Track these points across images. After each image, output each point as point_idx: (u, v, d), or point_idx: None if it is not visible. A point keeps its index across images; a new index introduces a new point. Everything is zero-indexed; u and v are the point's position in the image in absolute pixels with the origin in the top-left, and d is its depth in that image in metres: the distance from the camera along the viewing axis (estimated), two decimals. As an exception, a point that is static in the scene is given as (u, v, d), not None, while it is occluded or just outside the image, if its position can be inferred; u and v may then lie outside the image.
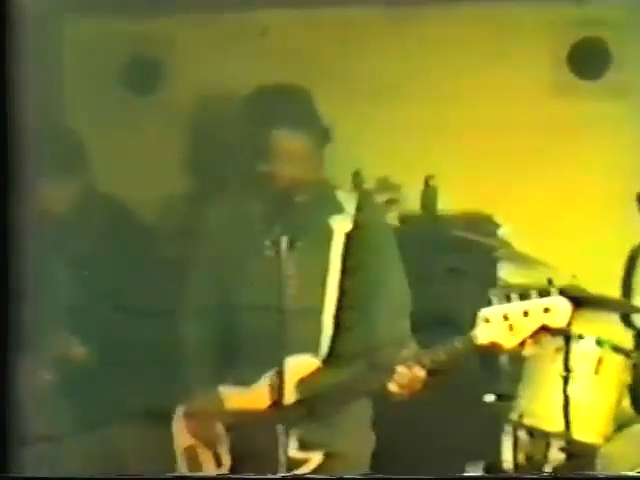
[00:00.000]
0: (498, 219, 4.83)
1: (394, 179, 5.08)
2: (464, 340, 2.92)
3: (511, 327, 2.85)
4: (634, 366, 4.38)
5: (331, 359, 3.12)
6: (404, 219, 5.04)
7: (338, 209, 3.18)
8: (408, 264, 4.66)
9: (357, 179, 5.03)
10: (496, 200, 4.91)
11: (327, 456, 3.11)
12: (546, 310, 2.83)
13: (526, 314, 2.83)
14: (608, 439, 4.12)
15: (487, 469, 4.58)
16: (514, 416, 4.31)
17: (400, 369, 2.96)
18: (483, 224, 4.81)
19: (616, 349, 4.27)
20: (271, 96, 3.19)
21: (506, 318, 2.85)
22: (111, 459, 3.70)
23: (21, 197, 3.09)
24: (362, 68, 5.06)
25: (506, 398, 4.36)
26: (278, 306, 3.04)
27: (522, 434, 4.45)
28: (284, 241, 2.96)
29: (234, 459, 3.21)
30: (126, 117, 5.11)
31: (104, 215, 3.92)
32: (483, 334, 2.87)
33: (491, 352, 4.33)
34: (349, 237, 3.14)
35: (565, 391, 4.09)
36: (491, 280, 4.62)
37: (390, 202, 5.03)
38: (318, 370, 3.09)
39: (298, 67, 4.81)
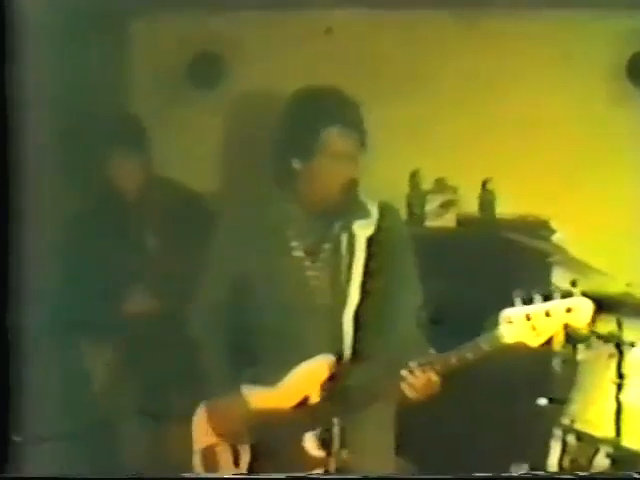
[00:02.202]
0: (554, 224, 4.86)
1: (451, 181, 5.13)
2: (489, 339, 2.94)
3: (534, 327, 2.87)
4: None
5: (354, 360, 3.14)
6: (461, 221, 5.09)
7: (362, 214, 3.17)
8: (464, 266, 4.79)
9: (415, 179, 5.11)
10: (553, 205, 4.93)
11: (349, 455, 3.07)
12: (568, 310, 2.87)
13: (548, 314, 2.87)
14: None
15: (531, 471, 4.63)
16: (566, 420, 4.34)
17: (416, 372, 2.99)
18: (539, 229, 4.83)
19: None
20: (321, 95, 3.22)
21: (528, 318, 2.88)
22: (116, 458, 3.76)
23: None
24: (422, 70, 5.11)
25: (558, 402, 4.40)
26: (303, 306, 3.16)
27: (571, 438, 4.47)
28: (343, 238, 3.06)
29: (254, 458, 3.23)
30: (187, 111, 5.20)
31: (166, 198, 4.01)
32: (508, 334, 2.90)
33: (544, 356, 4.42)
34: (371, 241, 3.17)
35: (617, 398, 4.11)
36: (545, 286, 4.64)
37: (447, 204, 5.08)
38: (341, 370, 3.10)
39: (360, 68, 4.89)
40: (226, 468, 3.24)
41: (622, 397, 4.10)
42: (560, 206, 4.92)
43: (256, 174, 3.45)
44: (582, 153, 5.04)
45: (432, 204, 5.09)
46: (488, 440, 4.65)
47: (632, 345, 4.23)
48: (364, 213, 3.17)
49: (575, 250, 4.54)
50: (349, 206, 3.13)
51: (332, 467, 3.04)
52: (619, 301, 4.15)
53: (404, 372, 3.00)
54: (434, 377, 3.00)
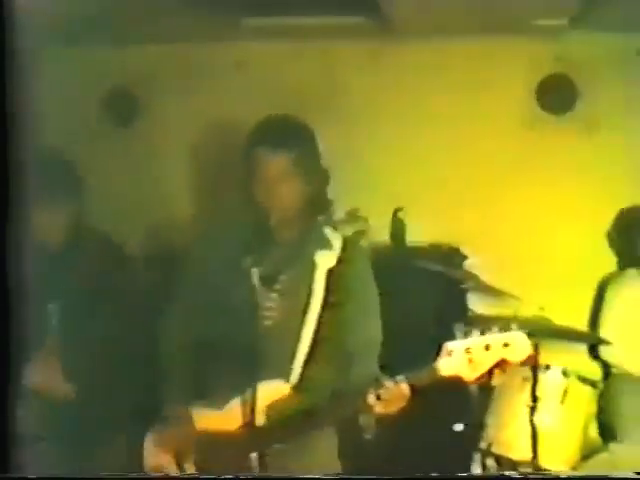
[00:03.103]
0: (466, 251, 4.91)
1: (363, 211, 5.16)
2: (428, 371, 2.94)
3: (471, 360, 2.88)
4: (600, 396, 4.48)
5: (301, 386, 3.15)
6: (372, 250, 5.11)
7: (322, 245, 3.21)
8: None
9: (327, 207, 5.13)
10: (464, 232, 4.99)
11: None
12: (505, 345, 2.87)
13: (487, 348, 2.87)
14: (575, 468, 4.20)
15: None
16: (483, 445, 4.38)
17: (387, 384, 2.98)
18: (451, 256, 4.89)
19: (583, 379, 4.36)
20: (268, 121, 3.22)
21: (468, 351, 2.88)
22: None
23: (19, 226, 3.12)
24: (336, 102, 5.16)
25: (475, 427, 4.43)
26: (256, 332, 3.11)
27: (490, 462, 4.51)
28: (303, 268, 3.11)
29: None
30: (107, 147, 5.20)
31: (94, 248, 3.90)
32: (445, 366, 2.91)
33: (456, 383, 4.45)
34: (331, 273, 3.19)
35: (532, 420, 4.16)
36: (460, 312, 4.70)
37: (358, 234, 5.10)
38: (288, 396, 3.11)
39: (274, 100, 4.90)
40: None
41: (537, 419, 4.16)
42: (471, 232, 4.98)
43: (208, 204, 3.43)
44: (491, 179, 5.10)
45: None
46: (410, 469, 4.66)
47: (547, 368, 4.29)
48: (326, 244, 3.20)
49: (487, 276, 4.62)
50: (311, 236, 3.18)
51: None
52: (533, 325, 4.21)
53: (373, 392, 2.99)
54: (407, 390, 2.99)
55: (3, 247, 3.07)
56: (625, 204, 5.00)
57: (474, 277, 4.60)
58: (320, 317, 3.17)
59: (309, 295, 3.16)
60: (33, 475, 3.16)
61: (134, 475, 3.34)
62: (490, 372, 2.91)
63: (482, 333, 2.88)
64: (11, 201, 3.02)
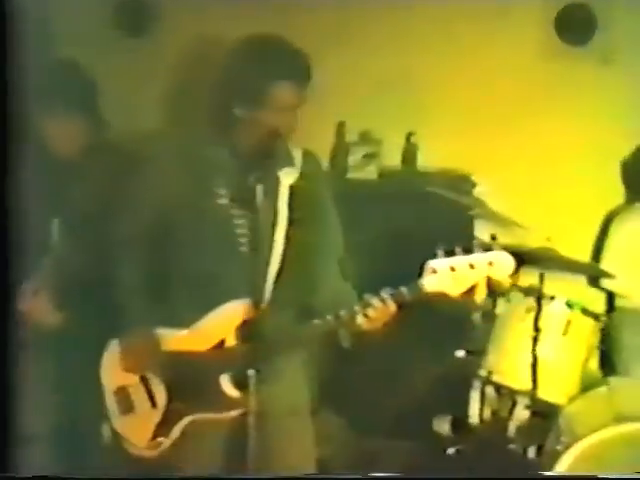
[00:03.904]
0: (476, 178, 4.88)
1: (376, 134, 5.12)
2: (411, 288, 3.00)
3: (456, 277, 2.94)
4: (602, 329, 4.47)
5: (272, 306, 3.15)
6: (383, 173, 5.09)
7: (286, 161, 3.22)
8: (385, 217, 4.79)
9: (341, 131, 5.10)
10: (475, 159, 4.94)
11: (263, 398, 3.07)
12: (490, 263, 2.93)
13: (472, 266, 2.93)
14: (572, 400, 4.20)
15: (453, 424, 4.68)
16: (483, 372, 4.39)
17: (373, 302, 3.02)
18: (461, 182, 4.86)
19: (585, 312, 4.35)
20: (270, 46, 3.18)
21: (453, 269, 2.94)
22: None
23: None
24: (348, 19, 5.07)
25: (476, 354, 4.44)
26: (224, 251, 3.17)
27: (490, 390, 4.53)
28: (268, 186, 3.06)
29: (170, 399, 3.22)
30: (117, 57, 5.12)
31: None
32: (430, 283, 2.96)
33: (465, 309, 4.45)
34: (293, 189, 3.20)
35: (533, 350, 4.17)
36: (467, 239, 4.67)
37: (370, 156, 5.07)
38: (259, 315, 3.07)
39: (282, 16, 4.82)
40: (142, 408, 3.24)
41: (538, 350, 4.17)
42: (483, 160, 4.93)
43: (193, 119, 3.41)
44: (506, 107, 5.01)
45: (355, 156, 5.09)
46: (410, 393, 4.70)
47: (552, 299, 4.28)
48: (289, 161, 3.21)
49: (496, 204, 4.59)
50: (277, 154, 3.17)
51: (252, 407, 3.03)
52: (540, 255, 4.19)
53: (358, 307, 3.04)
54: (393, 306, 3.04)
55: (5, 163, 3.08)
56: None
57: (483, 204, 4.58)
58: (286, 235, 3.19)
59: (275, 213, 3.18)
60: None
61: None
62: (473, 289, 2.98)
63: (465, 253, 2.94)
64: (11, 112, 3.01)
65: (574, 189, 4.95)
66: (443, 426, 4.70)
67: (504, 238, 4.41)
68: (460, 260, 2.94)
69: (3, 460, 3.03)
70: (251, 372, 2.98)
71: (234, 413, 3.14)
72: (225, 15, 4.92)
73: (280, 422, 3.22)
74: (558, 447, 3.86)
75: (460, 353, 4.47)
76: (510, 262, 2.95)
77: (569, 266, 4.39)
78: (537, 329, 4.18)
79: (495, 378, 4.36)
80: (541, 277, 4.26)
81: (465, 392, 4.60)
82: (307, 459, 3.36)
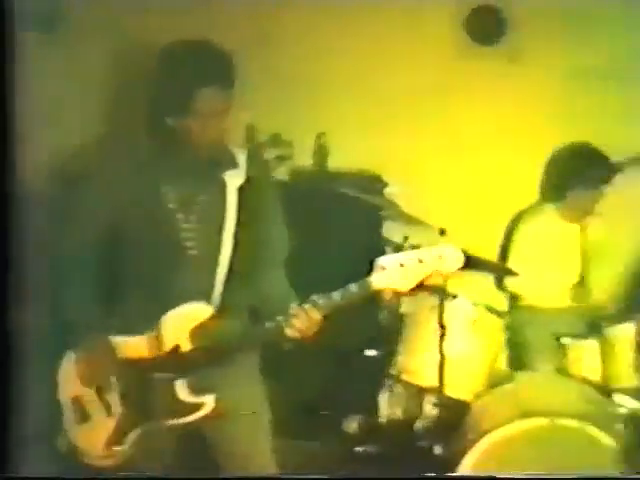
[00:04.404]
0: (386, 178, 4.91)
1: (286, 135, 5.12)
2: (360, 285, 3.03)
3: (405, 273, 2.98)
4: (508, 327, 4.54)
5: (224, 309, 3.18)
6: (294, 174, 5.10)
7: (231, 164, 3.22)
8: (296, 219, 4.79)
9: (250, 133, 5.09)
10: (386, 160, 4.97)
11: (220, 401, 3.15)
12: (440, 257, 2.99)
13: (421, 261, 2.98)
14: (479, 396, 4.26)
15: (362, 423, 4.71)
16: (392, 371, 4.43)
17: (297, 311, 3.05)
18: (372, 182, 4.88)
19: (490, 310, 4.42)
20: (194, 51, 3.16)
21: (402, 265, 2.98)
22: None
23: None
24: (258, 21, 5.04)
25: (385, 353, 4.47)
26: (174, 257, 3.16)
27: (399, 388, 4.57)
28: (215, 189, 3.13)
29: (126, 408, 3.21)
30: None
31: None
32: (379, 280, 3.00)
33: (375, 306, 4.47)
34: (241, 191, 3.20)
35: (440, 349, 4.20)
36: (376, 238, 4.71)
37: (281, 158, 5.07)
38: (211, 318, 3.14)
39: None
40: (97, 417, 3.22)
41: (444, 348, 4.20)
42: (393, 160, 4.96)
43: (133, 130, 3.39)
44: (416, 107, 5.06)
45: (266, 158, 5.09)
46: (319, 393, 4.71)
47: (454, 297, 4.34)
48: (233, 163, 3.22)
49: (406, 204, 4.64)
50: (220, 157, 3.19)
51: (208, 411, 3.11)
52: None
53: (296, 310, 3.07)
54: (316, 315, 3.06)
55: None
56: (552, 138, 5.00)
57: (393, 205, 4.61)
58: (235, 237, 3.19)
59: (223, 216, 3.18)
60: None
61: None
62: (422, 283, 3.03)
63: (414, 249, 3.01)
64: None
65: (485, 190, 5.03)
66: (352, 425, 4.73)
67: (414, 239, 4.51)
68: (409, 255, 3.00)
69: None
70: (206, 377, 3.05)
71: (190, 418, 3.15)
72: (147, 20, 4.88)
73: (237, 426, 3.25)
74: (465, 444, 3.92)
75: (370, 352, 4.50)
76: (459, 256, 3.01)
77: (475, 265, 4.44)
78: (442, 327, 4.22)
79: (404, 377, 4.40)
80: (445, 276, 4.29)
81: (375, 390, 4.64)
82: (265, 460, 3.38)
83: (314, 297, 3.07)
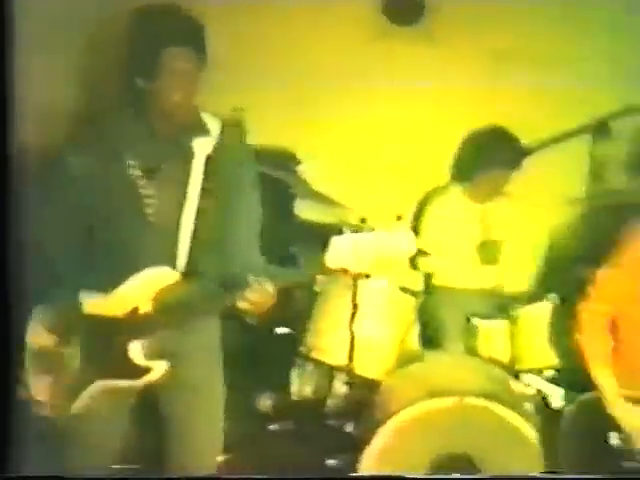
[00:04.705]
0: (299, 156, 4.90)
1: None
2: (314, 264, 3.08)
3: (358, 254, 3.00)
4: (420, 306, 4.57)
5: (188, 274, 3.19)
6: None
7: (201, 132, 3.23)
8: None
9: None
10: (300, 137, 4.96)
11: (175, 366, 3.16)
12: (392, 241, 3.01)
13: (375, 243, 3.01)
14: (389, 375, 4.28)
15: (276, 402, 4.71)
16: (303, 349, 4.43)
17: (252, 284, 3.06)
18: (284, 160, 4.87)
19: (403, 289, 4.44)
20: (163, 14, 3.18)
21: (355, 246, 3.01)
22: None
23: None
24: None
25: (297, 331, 4.47)
26: (139, 222, 3.17)
27: (310, 367, 4.57)
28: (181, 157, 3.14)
29: (84, 363, 3.20)
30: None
31: None
32: (332, 259, 3.02)
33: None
34: (209, 159, 3.21)
35: (351, 327, 4.21)
36: (287, 216, 4.71)
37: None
38: (176, 283, 3.15)
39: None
40: (56, 371, 3.19)
41: (355, 327, 4.22)
42: (307, 138, 4.96)
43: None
44: (332, 86, 5.02)
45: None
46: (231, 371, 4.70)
47: (367, 277, 4.34)
48: (204, 130, 3.22)
49: (318, 182, 4.63)
50: (190, 124, 3.19)
51: (157, 376, 3.12)
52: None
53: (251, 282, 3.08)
54: (270, 289, 3.08)
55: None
56: (466, 120, 5.04)
57: (304, 182, 4.61)
58: (200, 204, 3.20)
59: (188, 183, 3.19)
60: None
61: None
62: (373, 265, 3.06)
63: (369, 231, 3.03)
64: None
65: (399, 169, 5.03)
66: (265, 403, 4.73)
67: (325, 217, 4.51)
68: (363, 237, 3.02)
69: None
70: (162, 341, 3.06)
71: (142, 382, 3.16)
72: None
73: (190, 395, 3.26)
74: (375, 422, 3.94)
75: (281, 330, 4.49)
76: (412, 240, 3.02)
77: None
78: (355, 306, 4.23)
79: (315, 355, 4.40)
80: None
81: (287, 369, 4.65)
82: (215, 433, 3.40)
83: (270, 269, 3.14)
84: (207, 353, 3.36)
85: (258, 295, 3.07)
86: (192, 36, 3.16)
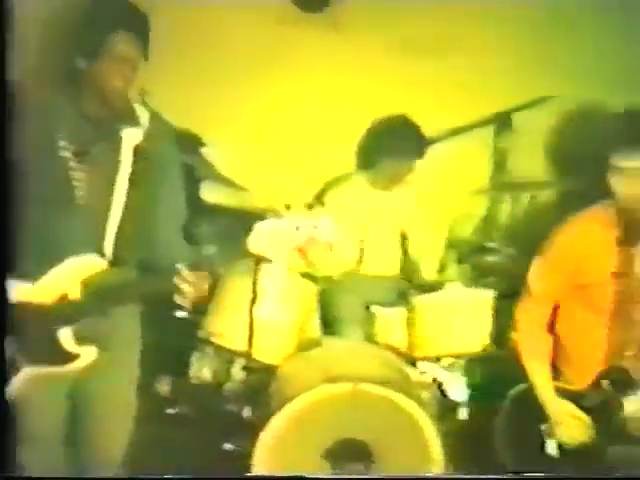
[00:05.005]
0: (205, 139, 4.87)
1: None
2: (237, 248, 3.10)
3: (281, 239, 3.03)
4: (321, 293, 4.58)
5: (114, 261, 3.21)
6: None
7: (131, 121, 3.25)
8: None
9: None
10: (205, 120, 4.93)
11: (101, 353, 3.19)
12: (315, 227, 3.03)
13: (297, 229, 3.02)
14: (288, 360, 4.29)
15: (174, 385, 4.69)
16: (202, 333, 4.41)
17: (186, 273, 3.10)
18: (190, 142, 4.83)
19: (305, 275, 4.44)
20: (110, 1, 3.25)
21: (278, 230, 3.03)
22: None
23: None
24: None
25: (197, 315, 4.45)
26: (66, 205, 3.16)
27: (209, 351, 4.55)
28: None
29: (16, 350, 3.16)
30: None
31: None
32: (255, 244, 3.04)
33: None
34: (137, 148, 3.24)
35: (251, 312, 4.21)
36: (193, 200, 4.67)
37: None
38: (102, 270, 3.17)
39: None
40: None
41: (255, 311, 4.21)
42: (212, 121, 4.93)
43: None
44: (239, 69, 5.00)
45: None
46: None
47: (270, 261, 4.32)
48: (134, 120, 3.25)
49: (223, 165, 4.62)
50: (123, 112, 3.22)
51: (86, 362, 3.16)
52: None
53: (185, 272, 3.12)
54: (204, 276, 3.14)
55: None
56: (372, 108, 5.04)
57: (209, 165, 4.58)
58: (128, 192, 3.22)
59: (117, 171, 3.21)
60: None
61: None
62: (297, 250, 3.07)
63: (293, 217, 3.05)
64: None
65: (302, 156, 5.05)
66: (163, 387, 4.70)
67: (229, 200, 4.49)
68: (286, 222, 3.04)
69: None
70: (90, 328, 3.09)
71: (72, 368, 3.17)
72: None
73: (107, 384, 3.29)
74: (272, 407, 3.95)
75: (181, 313, 4.46)
76: (334, 226, 3.04)
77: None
78: (255, 291, 4.22)
79: (214, 339, 4.38)
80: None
81: (186, 353, 4.62)
82: (128, 416, 3.42)
83: (194, 256, 3.16)
84: (129, 339, 3.40)
85: (193, 283, 3.12)
86: (138, 24, 3.21)
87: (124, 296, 3.22)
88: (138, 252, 3.27)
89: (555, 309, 3.95)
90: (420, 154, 4.79)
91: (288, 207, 3.95)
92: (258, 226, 3.04)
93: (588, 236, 3.81)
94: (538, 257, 3.93)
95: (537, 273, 3.93)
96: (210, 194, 4.54)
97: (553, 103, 4.92)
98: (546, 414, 3.85)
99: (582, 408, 3.83)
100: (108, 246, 3.22)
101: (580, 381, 3.86)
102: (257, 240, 3.04)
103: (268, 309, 4.28)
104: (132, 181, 3.23)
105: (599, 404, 3.81)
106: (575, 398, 3.84)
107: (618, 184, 3.70)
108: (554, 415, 3.83)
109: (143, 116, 3.29)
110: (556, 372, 3.92)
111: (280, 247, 3.04)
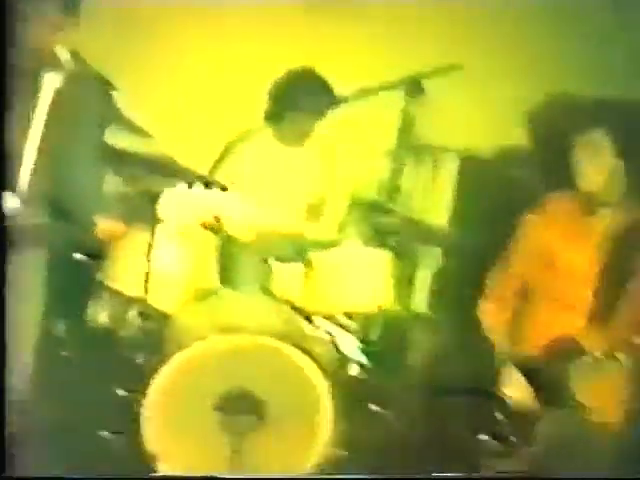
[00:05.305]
0: (115, 82, 4.81)
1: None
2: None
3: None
4: (220, 243, 4.57)
5: (29, 201, 3.24)
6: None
7: (53, 65, 3.29)
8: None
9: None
10: (117, 63, 4.84)
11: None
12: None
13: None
14: (183, 309, 4.31)
15: (70, 327, 4.67)
16: (100, 278, 4.40)
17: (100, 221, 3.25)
18: (101, 85, 4.77)
19: (205, 226, 4.40)
20: None
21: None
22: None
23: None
24: None
25: (95, 259, 4.43)
26: None
27: (106, 296, 4.53)
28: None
29: None
30: None
31: None
32: (165, 210, 3.27)
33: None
34: (58, 91, 3.26)
35: (147, 258, 4.15)
36: (101, 144, 4.64)
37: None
38: (16, 211, 3.19)
39: None
40: None
41: (151, 258, 4.15)
42: (121, 65, 4.82)
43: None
44: (154, 17, 5.00)
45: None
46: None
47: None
48: (55, 63, 3.27)
49: (131, 110, 4.58)
50: (45, 57, 3.27)
51: None
52: (160, 164, 4.19)
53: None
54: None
55: None
56: (283, 61, 5.00)
57: (115, 109, 4.53)
58: (43, 134, 3.25)
59: (34, 112, 3.24)
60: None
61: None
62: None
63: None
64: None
65: (211, 107, 5.04)
66: (59, 329, 4.68)
67: (136, 145, 4.45)
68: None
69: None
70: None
71: None
72: None
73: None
74: (165, 355, 3.97)
75: (78, 256, 4.43)
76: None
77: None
78: (152, 238, 4.15)
79: (111, 284, 4.37)
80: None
81: (83, 297, 4.60)
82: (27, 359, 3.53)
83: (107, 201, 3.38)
84: (35, 283, 3.49)
85: (108, 228, 3.29)
86: None
87: (33, 239, 3.28)
88: (51, 193, 3.31)
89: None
90: (326, 109, 4.78)
91: (224, 189, 3.96)
92: (168, 193, 3.07)
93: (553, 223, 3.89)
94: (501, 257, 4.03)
95: (506, 265, 4.02)
96: (117, 139, 4.51)
97: (462, 72, 4.96)
98: None
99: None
100: (22, 185, 3.21)
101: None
102: (164, 209, 3.07)
103: (166, 257, 4.28)
104: (48, 123, 3.24)
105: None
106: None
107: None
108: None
109: (63, 56, 3.30)
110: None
111: (183, 214, 3.07)
